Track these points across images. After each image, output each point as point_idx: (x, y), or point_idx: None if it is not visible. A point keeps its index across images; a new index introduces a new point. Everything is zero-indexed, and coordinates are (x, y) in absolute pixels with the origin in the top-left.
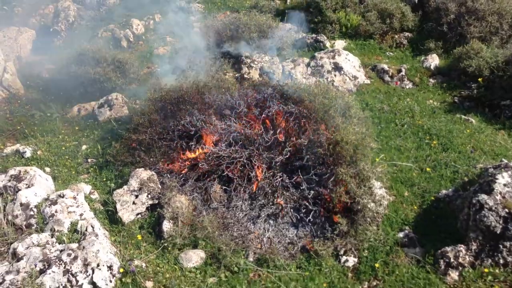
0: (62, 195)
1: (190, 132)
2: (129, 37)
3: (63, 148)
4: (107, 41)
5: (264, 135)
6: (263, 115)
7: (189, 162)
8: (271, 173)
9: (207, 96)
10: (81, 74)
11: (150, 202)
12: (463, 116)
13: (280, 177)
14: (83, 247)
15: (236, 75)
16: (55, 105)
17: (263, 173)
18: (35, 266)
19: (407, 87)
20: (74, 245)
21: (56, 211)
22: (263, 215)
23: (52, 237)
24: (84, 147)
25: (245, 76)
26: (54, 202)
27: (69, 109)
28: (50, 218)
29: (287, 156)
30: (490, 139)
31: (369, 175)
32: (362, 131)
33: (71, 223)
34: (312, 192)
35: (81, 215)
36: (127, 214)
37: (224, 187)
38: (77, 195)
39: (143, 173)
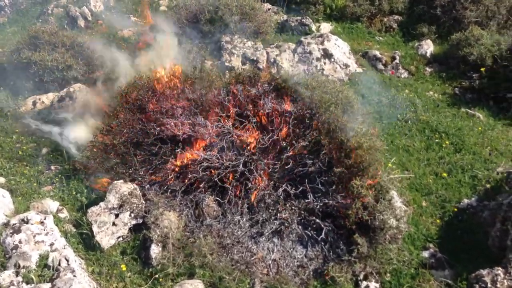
0: (26, 220)
1: (175, 135)
2: (86, 16)
3: (20, 152)
4: (60, 20)
5: (260, 138)
6: (257, 115)
7: (176, 170)
8: (271, 182)
9: (189, 91)
10: (35, 61)
11: (134, 222)
12: (469, 111)
13: (282, 186)
14: None
15: (216, 63)
16: (5, 97)
17: (263, 182)
18: None
19: (403, 76)
20: (46, 286)
21: (20, 242)
22: (266, 233)
23: (17, 276)
24: (44, 150)
25: (226, 64)
26: (17, 230)
27: (22, 102)
28: (13, 251)
29: (289, 163)
30: (502, 136)
31: (388, 186)
32: (371, 131)
33: (40, 256)
34: (320, 204)
35: (51, 245)
36: (106, 238)
37: (217, 199)
38: (45, 218)
39: (123, 187)
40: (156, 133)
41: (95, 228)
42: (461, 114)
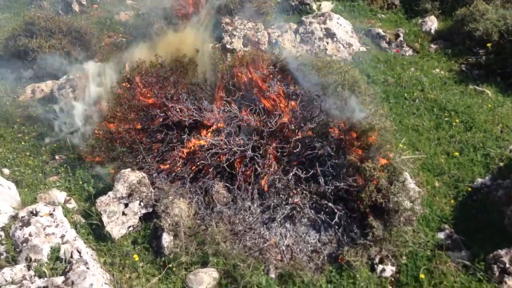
0: (34, 212)
1: (180, 121)
2: (81, 0)
3: (22, 142)
4: (54, 5)
5: (268, 121)
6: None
7: (184, 157)
8: (281, 166)
9: (191, 74)
10: (32, 48)
11: (144, 211)
12: (477, 88)
13: (292, 171)
14: (72, 282)
15: (217, 45)
16: (3, 86)
17: (272, 166)
18: None
19: (407, 54)
20: (59, 280)
21: (30, 235)
22: (278, 218)
23: (29, 270)
24: (47, 139)
25: (228, 46)
26: (27, 223)
27: (21, 90)
28: (24, 245)
29: (297, 147)
30: None
31: (401, 168)
32: (380, 112)
33: (52, 248)
34: (331, 188)
35: (62, 236)
36: (116, 228)
37: (227, 185)
38: (54, 210)
39: (132, 175)
40: (162, 120)
41: (104, 218)
42: (469, 91)
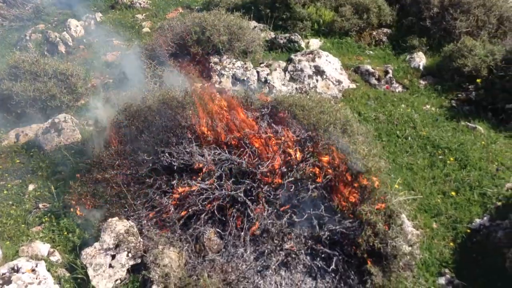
0: (16, 269)
1: (170, 165)
2: (67, 41)
3: (5, 191)
4: (39, 46)
5: (259, 163)
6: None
7: (174, 203)
8: (274, 210)
9: (180, 116)
10: (17, 92)
11: (132, 262)
12: (469, 124)
13: (285, 216)
14: None
15: (206, 85)
16: None
17: (265, 211)
18: None
19: (397, 90)
20: None
21: None
22: (272, 265)
23: None
24: (31, 187)
25: (216, 85)
26: (8, 281)
27: (5, 135)
28: None
29: (290, 189)
30: (506, 150)
31: (398, 211)
32: (373, 152)
33: None
34: (327, 232)
35: None
36: (103, 281)
37: (218, 231)
38: (37, 266)
39: (119, 225)
40: (150, 164)
41: (90, 272)
42: (461, 127)
